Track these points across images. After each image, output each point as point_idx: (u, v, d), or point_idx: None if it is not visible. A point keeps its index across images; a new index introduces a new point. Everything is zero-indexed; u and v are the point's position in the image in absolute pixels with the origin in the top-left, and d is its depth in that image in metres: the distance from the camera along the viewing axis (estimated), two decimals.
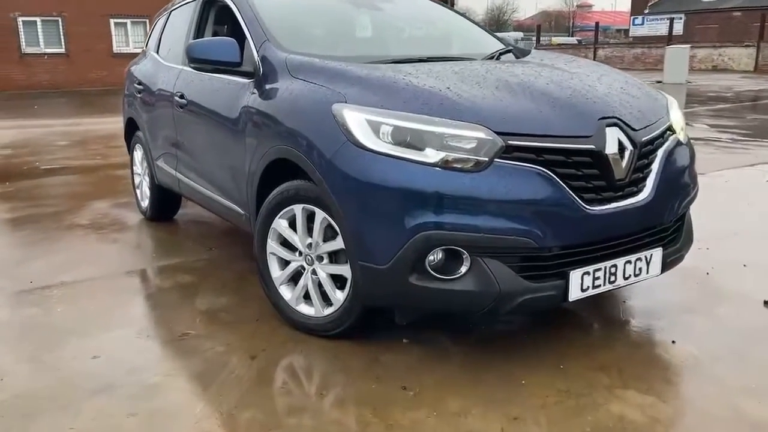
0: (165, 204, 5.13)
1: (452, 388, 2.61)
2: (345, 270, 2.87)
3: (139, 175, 5.35)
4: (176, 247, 4.57)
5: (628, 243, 2.78)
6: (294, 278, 3.14)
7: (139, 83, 4.97)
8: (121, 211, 5.58)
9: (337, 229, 2.82)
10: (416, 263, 2.53)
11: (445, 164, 2.50)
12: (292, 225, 3.06)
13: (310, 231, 2.99)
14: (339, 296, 2.94)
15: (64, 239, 4.79)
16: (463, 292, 2.52)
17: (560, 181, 2.53)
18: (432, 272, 2.54)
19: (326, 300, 3.03)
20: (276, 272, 3.17)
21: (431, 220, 2.47)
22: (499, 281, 2.51)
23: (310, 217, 2.98)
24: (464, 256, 2.51)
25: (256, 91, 3.30)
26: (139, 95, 4.98)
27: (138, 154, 5.33)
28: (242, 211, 3.54)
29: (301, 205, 2.97)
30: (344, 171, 2.65)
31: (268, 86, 3.24)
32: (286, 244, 3.12)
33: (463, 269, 2.53)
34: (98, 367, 2.82)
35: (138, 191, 5.45)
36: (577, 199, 2.56)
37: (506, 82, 2.84)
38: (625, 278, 2.78)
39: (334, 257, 2.97)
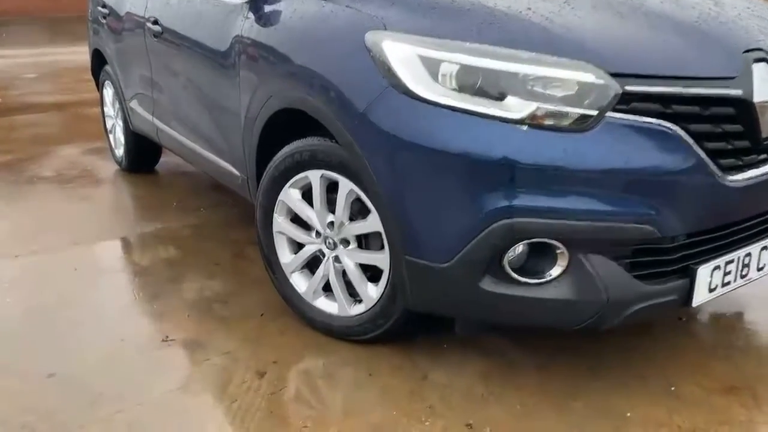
0: (143, 153, 4.32)
1: (533, 424, 1.92)
2: (380, 260, 2.13)
3: (111, 117, 4.51)
4: (158, 208, 3.80)
5: (765, 222, 2.05)
6: (310, 265, 2.40)
7: (104, 5, 4.06)
8: (93, 160, 4.76)
9: (371, 206, 2.07)
10: (491, 262, 1.80)
11: (534, 121, 1.73)
12: (307, 197, 2.30)
13: (331, 205, 2.23)
14: (372, 292, 2.21)
15: (22, 197, 3.99)
16: (555, 301, 1.80)
17: (694, 143, 1.77)
18: (513, 275, 1.81)
19: (354, 295, 2.31)
20: (285, 257, 2.43)
21: (515, 203, 1.72)
22: (607, 285, 1.79)
23: (331, 187, 2.22)
24: (559, 252, 1.78)
25: (252, 14, 2.47)
26: (104, 21, 4.08)
27: (108, 92, 4.47)
28: (238, 173, 2.76)
29: (320, 172, 2.20)
30: (385, 130, 1.87)
31: (268, 8, 2.40)
32: (298, 221, 2.36)
33: (557, 270, 1.79)
34: (51, 389, 2.11)
35: (111, 137, 4.62)
36: (714, 166, 1.81)
37: (608, 2, 2.03)
38: (759, 269, 2.07)
39: (364, 241, 2.23)
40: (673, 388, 2.08)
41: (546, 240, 1.75)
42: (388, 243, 2.06)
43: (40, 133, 5.67)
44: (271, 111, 2.33)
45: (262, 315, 2.56)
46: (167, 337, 2.41)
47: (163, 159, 4.53)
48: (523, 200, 1.71)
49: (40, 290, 2.78)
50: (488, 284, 1.82)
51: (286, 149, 2.30)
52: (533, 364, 2.20)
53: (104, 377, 2.17)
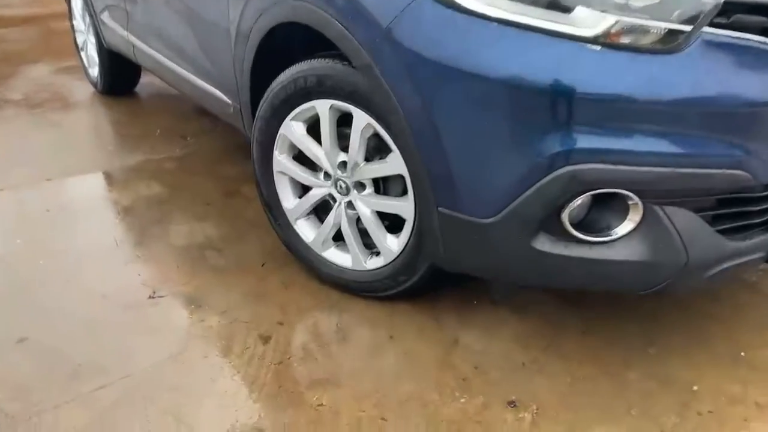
0: (120, 73, 3.88)
1: (585, 401, 1.65)
2: (403, 208, 1.80)
3: (82, 33, 4.03)
4: (139, 137, 3.41)
5: None
6: (318, 211, 2.07)
7: None
8: (66, 81, 4.31)
9: (392, 145, 1.71)
10: (547, 218, 1.47)
11: (610, 39, 1.35)
12: (314, 131, 1.93)
13: (343, 141, 1.87)
14: (392, 245, 1.88)
15: None
16: (625, 263, 1.48)
17: None
18: (574, 232, 1.48)
19: (370, 246, 1.99)
20: (289, 201, 2.08)
21: (583, 145, 1.37)
22: (687, 243, 1.46)
23: (343, 120, 1.86)
24: (632, 204, 1.44)
25: None
26: None
27: (77, 3, 3.97)
28: (229, 100, 2.37)
29: (329, 102, 1.82)
30: (415, 50, 1.49)
31: None
32: (303, 160, 2.01)
33: (628, 225, 1.47)
34: (23, 357, 1.81)
35: (83, 55, 4.15)
36: None
37: None
38: None
39: (382, 185, 1.88)
40: (743, 354, 1.80)
41: (617, 191, 1.41)
42: (414, 190, 1.72)
43: (7, 50, 5.16)
44: (268, 26, 1.92)
45: (263, 265, 2.24)
46: (154, 292, 2.09)
47: (144, 80, 4.10)
48: (593, 141, 1.36)
49: (7, 237, 2.43)
50: (542, 243, 1.49)
51: (287, 73, 1.91)
52: (577, 326, 1.91)
53: (84, 344, 1.87)
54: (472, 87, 1.43)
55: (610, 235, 1.47)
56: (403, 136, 1.60)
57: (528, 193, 1.43)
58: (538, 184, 1.41)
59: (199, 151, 3.21)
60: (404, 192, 1.84)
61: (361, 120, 1.77)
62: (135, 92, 4.11)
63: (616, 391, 1.68)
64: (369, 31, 1.56)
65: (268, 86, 2.01)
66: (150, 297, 2.07)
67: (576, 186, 1.39)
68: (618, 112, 1.34)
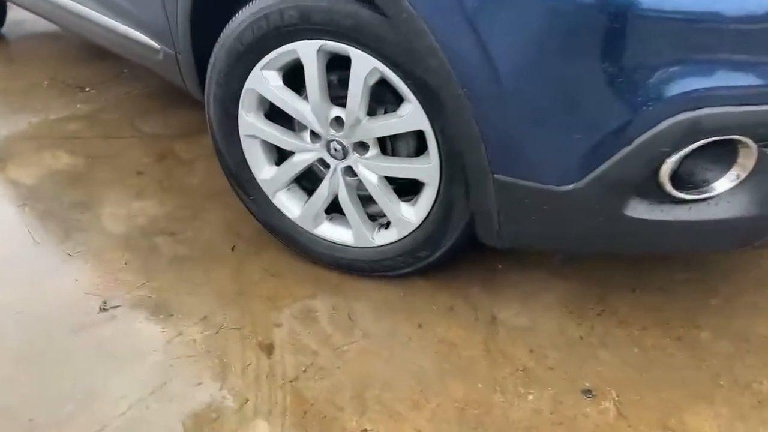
0: None
1: (666, 376, 1.43)
2: (424, 171, 1.45)
3: None
4: (22, 92, 2.77)
5: None
6: (300, 179, 1.67)
7: None
8: None
9: (409, 95, 1.34)
10: (646, 179, 1.16)
11: None
12: (294, 81, 1.51)
13: (334, 93, 1.47)
14: (409, 215, 1.54)
15: None
16: (731, 221, 1.21)
17: None
18: (675, 193, 1.19)
19: (374, 218, 1.63)
20: (264, 171, 1.67)
21: (710, 83, 1.05)
22: None
23: (332, 65, 1.45)
24: (743, 151, 1.16)
25: None
26: None
27: None
28: (156, 45, 1.87)
29: (317, 43, 1.40)
30: None
31: None
32: (278, 117, 1.59)
33: (734, 177, 1.19)
34: None
35: None
36: None
37: None
38: None
39: (390, 145, 1.52)
40: None
41: (736, 137, 1.12)
42: (444, 149, 1.37)
43: None
44: None
45: (233, 249, 1.83)
46: (105, 303, 1.65)
47: (12, 16, 3.37)
48: (719, 78, 1.05)
49: None
50: (634, 209, 1.19)
51: (253, 7, 1.45)
52: (625, 283, 1.66)
53: (29, 388, 1.43)
54: (558, 13, 1.06)
55: (713, 190, 1.20)
56: (440, 86, 1.22)
57: (627, 150, 1.11)
58: (642, 138, 1.10)
59: (108, 105, 2.64)
60: (418, 152, 1.49)
61: (365, 64, 1.38)
62: (2, 34, 3.38)
63: (694, 360, 1.46)
64: None
65: (218, 25, 1.55)
66: (101, 310, 1.63)
67: (695, 136, 1.09)
68: (748, 39, 1.03)
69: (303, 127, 1.58)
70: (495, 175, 1.24)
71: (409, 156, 1.53)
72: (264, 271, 1.75)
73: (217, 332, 1.56)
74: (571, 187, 1.18)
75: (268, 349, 1.51)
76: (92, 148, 2.33)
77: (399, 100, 1.45)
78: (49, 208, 2.01)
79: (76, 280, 1.73)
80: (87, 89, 2.77)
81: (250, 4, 1.47)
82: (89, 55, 3.06)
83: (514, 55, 1.11)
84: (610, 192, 1.17)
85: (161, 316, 1.60)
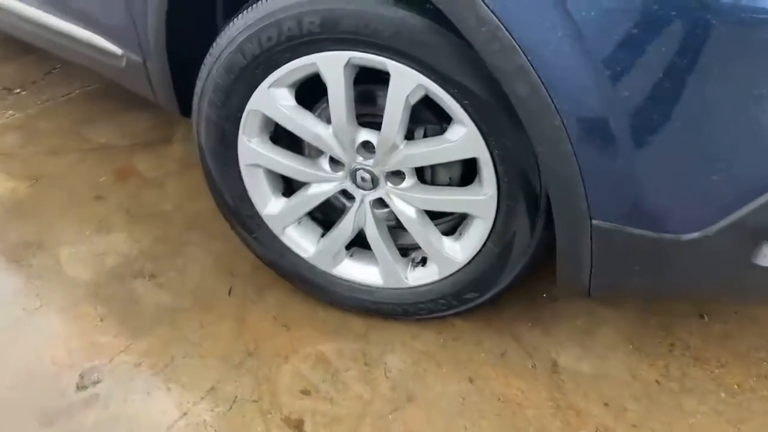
0: None
1: None
2: (477, 204, 1.20)
3: None
4: None
5: None
6: (313, 210, 1.39)
7: None
8: None
9: (464, 117, 1.09)
10: None
11: None
12: (308, 98, 1.23)
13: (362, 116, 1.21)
14: (454, 252, 1.30)
15: None
16: None
17: None
18: None
19: (406, 253, 1.39)
20: (270, 205, 1.38)
21: None
22: None
23: (360, 80, 1.18)
24: None
25: None
26: None
27: None
28: (118, 50, 1.52)
29: (346, 55, 1.12)
30: None
31: None
32: (289, 141, 1.31)
33: None
34: None
35: None
36: None
37: None
38: None
39: (430, 174, 1.26)
40: None
41: None
42: (506, 178, 1.13)
43: None
44: None
45: (230, 293, 1.54)
46: (83, 378, 1.35)
47: None
48: None
49: None
50: (766, 256, 0.99)
51: (259, 13, 1.15)
52: (690, 309, 1.48)
53: None
54: (709, 31, 0.82)
55: None
56: (527, 114, 0.97)
57: None
58: None
59: (44, 110, 2.25)
60: (463, 180, 1.25)
61: (408, 81, 1.11)
62: None
63: None
64: None
65: (203, 29, 1.25)
66: (79, 388, 1.33)
67: None
68: None
69: (319, 153, 1.30)
70: (594, 221, 1.01)
71: (452, 185, 1.28)
72: (273, 319, 1.47)
73: (231, 408, 1.29)
74: (696, 235, 0.96)
75: (298, 426, 1.26)
76: (33, 167, 1.96)
77: (441, 118, 1.20)
78: None
79: (42, 346, 1.41)
80: (16, 91, 2.37)
81: (254, 7, 1.16)
82: (10, 49, 2.62)
83: (643, 81, 0.87)
84: (742, 239, 0.96)
85: (157, 391, 1.32)
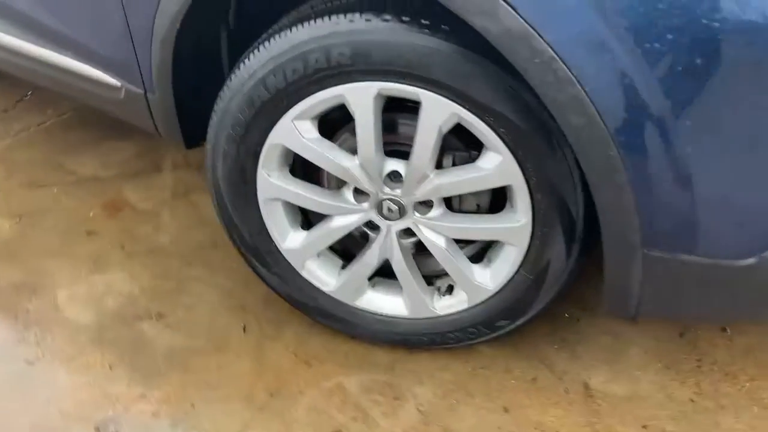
0: None
1: None
2: (509, 232, 1.18)
3: None
4: None
5: None
6: (333, 245, 1.35)
7: None
8: None
9: (499, 145, 1.07)
10: None
11: None
12: (332, 131, 1.19)
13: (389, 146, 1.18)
14: (483, 281, 1.27)
15: None
16: None
17: None
18: None
19: (431, 281, 1.35)
20: (290, 239, 1.33)
21: None
22: None
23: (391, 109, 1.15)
24: None
25: None
26: None
27: None
28: (116, 82, 1.45)
29: (376, 86, 1.08)
30: None
31: None
32: (303, 172, 1.26)
33: None
34: None
35: None
36: None
37: None
38: None
39: (458, 201, 1.23)
40: None
41: None
42: (542, 205, 1.11)
43: None
44: None
45: (244, 329, 1.48)
46: (98, 430, 1.27)
47: None
48: None
49: None
50: None
51: (283, 44, 1.10)
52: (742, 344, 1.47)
53: None
54: None
55: None
56: (580, 145, 0.95)
57: None
58: None
59: (20, 141, 2.14)
60: (493, 208, 1.23)
61: (441, 110, 1.08)
62: None
63: None
64: None
65: (212, 62, 1.20)
66: None
67: None
68: None
69: (340, 184, 1.26)
70: (647, 250, 0.99)
71: (480, 212, 1.25)
72: (293, 356, 1.42)
73: None
74: (752, 261, 0.95)
75: None
76: (16, 203, 1.86)
77: (469, 145, 1.17)
78: None
79: (49, 400, 1.33)
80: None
81: (275, 39, 1.11)
82: None
83: (703, 110, 0.85)
84: None
85: None
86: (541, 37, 0.86)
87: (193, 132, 1.44)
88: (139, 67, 1.34)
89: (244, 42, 1.35)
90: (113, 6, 1.27)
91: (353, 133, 1.22)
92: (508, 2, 0.86)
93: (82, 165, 2.01)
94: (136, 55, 1.32)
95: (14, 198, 1.88)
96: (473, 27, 0.92)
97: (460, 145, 1.19)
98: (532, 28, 0.86)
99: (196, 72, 1.35)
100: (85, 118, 2.21)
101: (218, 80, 1.41)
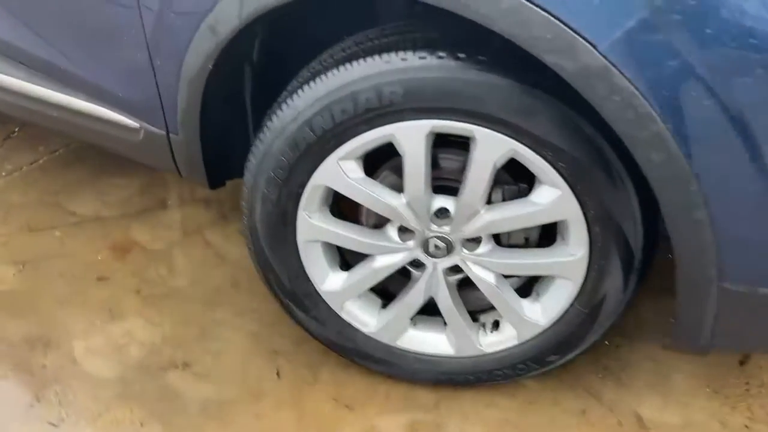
0: None
1: None
2: (563, 267, 1.15)
3: None
4: None
5: None
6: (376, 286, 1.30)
7: None
8: None
9: (558, 179, 1.04)
10: None
11: None
12: (372, 168, 1.16)
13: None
14: (533, 316, 1.24)
15: None
16: None
17: None
18: None
19: (475, 317, 1.31)
20: (329, 281, 1.28)
21: None
22: None
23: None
24: None
25: None
26: None
27: None
28: (134, 123, 1.38)
29: (428, 124, 1.05)
30: None
31: None
32: (345, 211, 1.22)
33: None
34: None
35: None
36: None
37: None
38: None
39: (507, 236, 1.20)
40: None
41: None
42: (601, 238, 1.08)
43: None
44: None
45: (278, 375, 1.42)
46: None
47: None
48: None
49: None
50: None
51: (329, 84, 1.06)
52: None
53: None
54: None
55: None
56: (658, 181, 0.92)
57: None
58: None
59: (14, 182, 2.03)
60: (542, 241, 1.20)
61: (497, 147, 1.05)
62: None
63: None
64: None
65: (228, 101, 1.16)
66: None
67: None
68: None
69: (382, 221, 1.21)
70: (724, 284, 0.97)
71: (529, 245, 1.22)
72: (334, 401, 1.36)
73: None
74: None
75: None
76: (17, 249, 1.77)
77: (518, 178, 1.14)
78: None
79: None
80: None
81: (320, 79, 1.07)
82: None
83: None
84: None
85: None
86: (622, 74, 0.83)
87: (218, 172, 1.39)
88: (163, 108, 1.28)
89: (267, 78, 1.31)
90: (135, 45, 1.21)
91: (393, 169, 1.20)
92: (587, 39, 0.83)
93: (83, 205, 1.92)
94: (159, 95, 1.26)
95: (15, 244, 1.78)
96: (539, 62, 0.89)
97: (508, 179, 1.16)
98: (612, 64, 0.83)
99: (221, 111, 1.29)
100: (80, 154, 2.12)
101: (241, 118, 1.37)
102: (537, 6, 0.83)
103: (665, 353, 1.44)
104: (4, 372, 1.43)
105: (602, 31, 0.82)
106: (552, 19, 0.83)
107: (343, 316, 1.31)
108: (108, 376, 1.42)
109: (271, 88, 1.31)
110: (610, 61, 0.83)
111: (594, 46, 0.83)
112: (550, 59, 0.87)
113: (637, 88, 0.84)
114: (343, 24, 1.19)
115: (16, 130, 2.27)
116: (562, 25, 0.83)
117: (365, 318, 1.31)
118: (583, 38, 0.83)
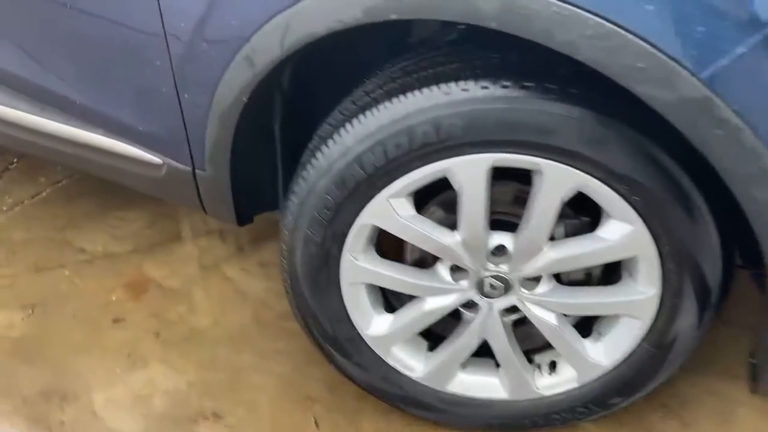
0: None
1: None
2: (632, 306, 1.07)
3: None
4: None
5: None
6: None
7: None
8: None
9: (630, 215, 0.97)
10: None
11: None
12: (425, 206, 1.07)
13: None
14: (596, 357, 1.15)
15: None
16: None
17: None
18: None
19: (530, 358, 1.23)
20: (374, 324, 1.18)
21: None
22: None
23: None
24: None
25: None
26: None
27: None
28: (157, 159, 1.28)
29: (489, 157, 0.97)
30: None
31: None
32: (389, 252, 1.13)
33: None
34: None
35: None
36: None
37: None
38: None
39: (567, 273, 1.12)
40: None
41: None
42: (676, 275, 1.00)
43: None
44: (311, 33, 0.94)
45: (317, 425, 1.32)
46: None
47: None
48: None
49: None
50: None
51: (382, 118, 0.97)
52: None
53: None
54: None
55: None
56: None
57: None
58: None
59: (16, 219, 1.92)
60: (604, 279, 1.12)
61: (566, 181, 0.96)
62: None
63: None
64: None
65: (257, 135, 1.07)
66: None
67: None
68: None
69: (431, 258, 1.13)
70: None
71: (591, 283, 1.13)
72: None
73: None
74: None
75: None
76: (25, 291, 1.66)
77: (579, 211, 1.06)
78: (5, 411, 1.36)
79: None
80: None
81: (371, 113, 0.98)
82: None
83: None
84: None
85: None
86: (728, 106, 0.75)
87: (246, 208, 1.29)
88: (189, 143, 1.19)
89: (295, 106, 1.23)
90: (161, 79, 1.12)
91: (441, 204, 1.11)
92: (687, 67, 0.75)
93: (92, 241, 1.82)
94: (186, 130, 1.17)
95: (21, 285, 1.68)
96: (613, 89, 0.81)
97: (570, 212, 1.08)
98: (717, 95, 0.75)
99: (250, 144, 1.20)
100: (84, 184, 2.02)
101: (269, 150, 1.28)
102: (629, 32, 0.75)
103: (725, 385, 1.36)
104: (19, 430, 1.32)
105: (704, 59, 0.74)
106: (647, 46, 0.75)
107: (389, 361, 1.22)
108: (132, 431, 1.32)
109: (300, 117, 1.23)
110: (713, 91, 0.75)
111: (695, 75, 0.75)
112: (641, 89, 0.79)
113: (745, 121, 0.76)
114: (381, 50, 1.11)
115: (15, 161, 2.17)
116: (659, 53, 0.75)
117: (411, 362, 1.22)
118: (683, 66, 0.75)
